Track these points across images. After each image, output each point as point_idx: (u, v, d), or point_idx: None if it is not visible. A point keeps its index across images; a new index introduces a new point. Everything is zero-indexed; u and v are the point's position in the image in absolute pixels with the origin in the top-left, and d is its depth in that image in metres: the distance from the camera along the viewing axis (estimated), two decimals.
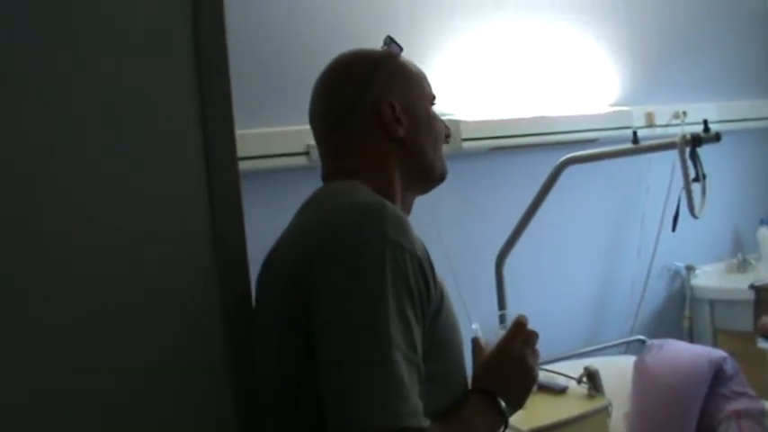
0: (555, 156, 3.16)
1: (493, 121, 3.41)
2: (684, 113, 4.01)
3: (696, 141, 2.88)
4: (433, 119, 1.53)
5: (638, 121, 3.88)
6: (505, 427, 1.33)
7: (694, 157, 2.93)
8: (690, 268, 4.13)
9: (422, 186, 1.55)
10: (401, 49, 1.54)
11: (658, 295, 4.13)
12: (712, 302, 4.05)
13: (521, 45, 3.62)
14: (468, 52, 3.41)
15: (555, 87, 3.73)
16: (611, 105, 3.93)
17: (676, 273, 4.17)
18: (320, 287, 1.21)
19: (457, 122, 3.26)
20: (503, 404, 1.32)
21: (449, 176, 1.58)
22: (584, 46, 3.84)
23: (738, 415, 2.92)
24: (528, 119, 3.57)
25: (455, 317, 1.37)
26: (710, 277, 4.18)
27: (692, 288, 4.12)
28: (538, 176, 3.12)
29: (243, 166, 2.96)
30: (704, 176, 2.93)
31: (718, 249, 4.35)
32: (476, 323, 1.48)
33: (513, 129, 3.52)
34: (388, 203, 1.27)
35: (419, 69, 1.55)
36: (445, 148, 1.59)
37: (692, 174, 2.88)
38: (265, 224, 2.45)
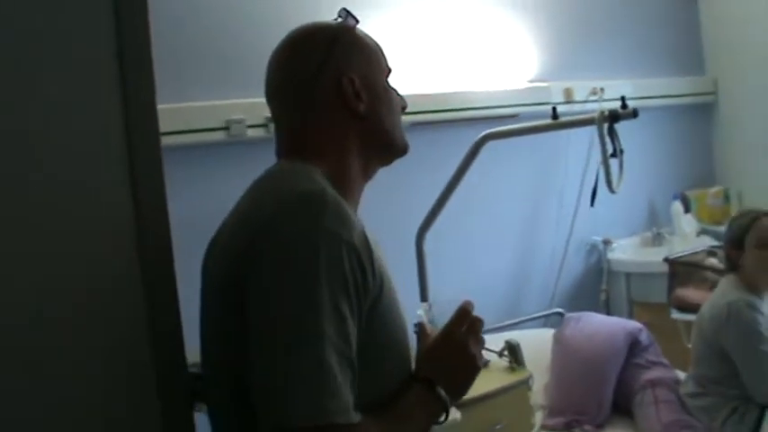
0: (476, 131, 3.18)
1: (413, 96, 3.39)
2: (602, 90, 4.08)
3: (614, 117, 2.93)
4: (390, 92, 1.49)
5: (557, 96, 3.93)
6: (446, 416, 1.30)
7: (612, 132, 2.97)
8: (606, 242, 4.22)
9: (384, 159, 1.50)
10: (357, 21, 1.49)
11: (576, 269, 4.20)
12: (628, 275, 4.15)
13: (440, 21, 3.62)
14: (387, 28, 3.39)
15: (475, 63, 3.75)
16: (530, 81, 3.97)
17: (593, 246, 4.25)
18: (253, 280, 1.18)
19: None
20: (443, 393, 1.29)
21: None
22: (503, 22, 3.87)
23: (653, 384, 3.00)
24: (449, 94, 3.59)
25: (397, 303, 1.33)
26: (626, 251, 4.26)
27: (608, 261, 4.21)
28: (459, 152, 3.13)
29: (162, 141, 2.90)
30: (622, 152, 2.98)
31: (633, 224, 4.45)
32: (420, 308, 1.46)
33: (434, 104, 3.53)
34: (329, 191, 1.23)
35: (375, 42, 1.51)
36: None
37: (610, 149, 2.93)
38: (184, 199, 2.42)
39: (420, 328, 1.44)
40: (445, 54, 3.64)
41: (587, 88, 4.08)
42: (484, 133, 3.17)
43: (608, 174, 2.96)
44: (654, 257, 4.06)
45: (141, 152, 1.26)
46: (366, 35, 1.50)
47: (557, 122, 3.17)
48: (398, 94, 1.53)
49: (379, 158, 1.49)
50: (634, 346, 3.12)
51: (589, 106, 3.93)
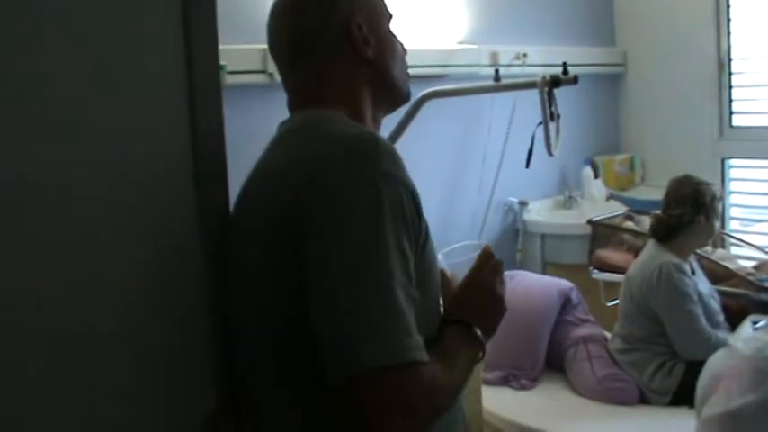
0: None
1: None
2: (525, 55, 4.16)
3: (555, 82, 3.02)
4: (392, 37, 1.50)
5: (484, 59, 3.99)
6: (483, 354, 1.35)
7: (550, 97, 3.06)
8: (523, 203, 4.31)
9: (389, 106, 1.52)
10: None
11: (494, 229, 4.28)
12: (543, 236, 4.26)
13: None
14: None
15: (407, 21, 3.73)
16: (459, 43, 4.00)
17: (510, 208, 4.34)
18: (315, 225, 1.17)
19: None
20: (479, 333, 1.33)
21: None
22: None
23: (585, 340, 3.14)
24: None
25: (435, 249, 1.36)
26: (541, 213, 4.38)
27: (524, 222, 4.31)
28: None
29: None
30: (558, 116, 3.08)
31: (545, 187, 4.56)
32: (440, 254, 1.48)
33: None
34: (379, 135, 1.25)
35: None
36: None
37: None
38: None
39: (442, 275, 1.46)
40: None
41: (512, 53, 4.15)
42: (426, 91, 3.20)
43: (548, 137, 3.05)
44: (566, 220, 4.22)
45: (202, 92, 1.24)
46: None
47: (501, 84, 3.25)
48: (399, 40, 1.54)
49: (386, 105, 1.52)
50: (566, 303, 3.25)
51: (513, 71, 4.00)
